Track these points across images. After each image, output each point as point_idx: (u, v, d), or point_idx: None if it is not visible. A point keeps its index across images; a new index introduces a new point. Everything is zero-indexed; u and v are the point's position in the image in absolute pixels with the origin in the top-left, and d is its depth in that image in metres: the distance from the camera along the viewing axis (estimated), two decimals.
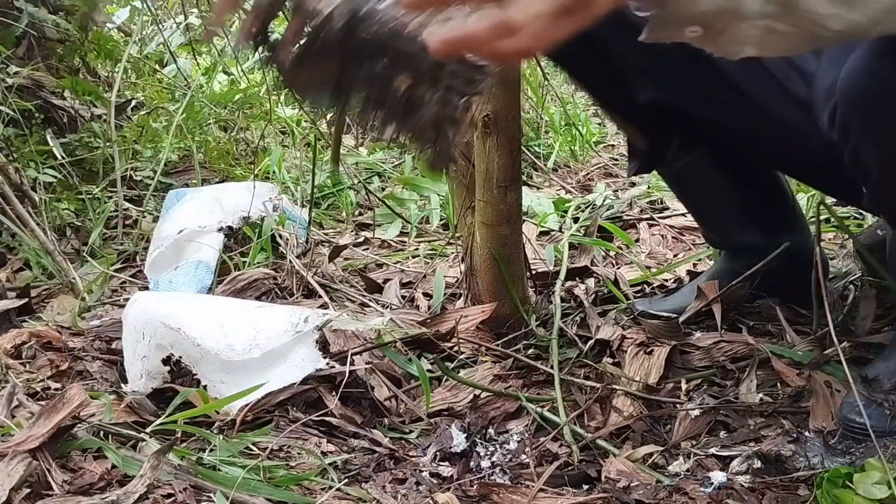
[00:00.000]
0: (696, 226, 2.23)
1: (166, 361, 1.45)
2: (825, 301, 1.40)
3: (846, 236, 1.79)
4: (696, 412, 1.35)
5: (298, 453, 1.28)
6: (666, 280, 1.91)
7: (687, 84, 1.38)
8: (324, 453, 1.29)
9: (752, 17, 0.80)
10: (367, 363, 1.49)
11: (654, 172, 2.66)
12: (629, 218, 2.35)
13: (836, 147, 1.18)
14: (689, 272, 1.86)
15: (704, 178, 1.60)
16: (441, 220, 2.42)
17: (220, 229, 2.04)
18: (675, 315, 1.56)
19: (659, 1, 0.80)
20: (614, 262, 2.06)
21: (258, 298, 1.83)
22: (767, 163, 1.56)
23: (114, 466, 1.18)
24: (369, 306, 1.81)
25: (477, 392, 1.45)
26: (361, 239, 2.34)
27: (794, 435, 1.25)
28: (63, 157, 2.38)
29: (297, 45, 0.86)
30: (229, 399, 1.37)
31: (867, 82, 1.06)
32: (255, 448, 1.28)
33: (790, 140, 1.39)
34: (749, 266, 1.59)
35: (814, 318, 1.51)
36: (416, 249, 2.21)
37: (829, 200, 2.15)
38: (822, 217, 1.56)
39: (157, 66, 3.63)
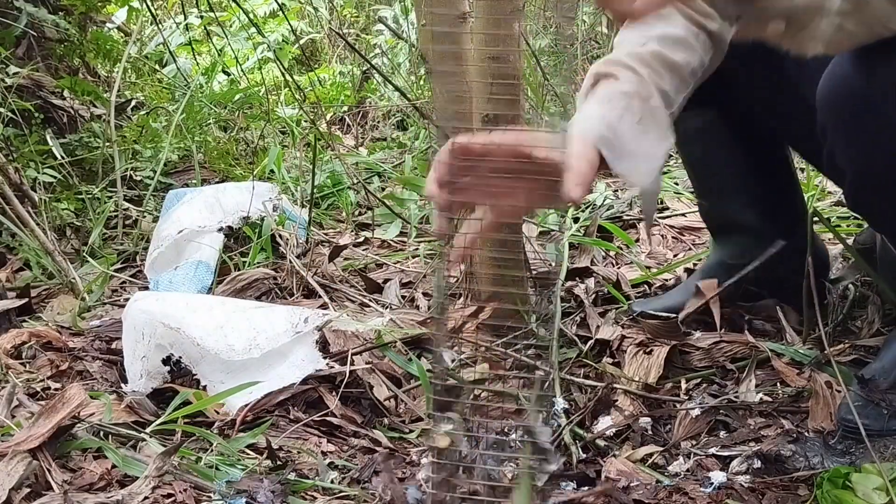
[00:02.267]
0: (697, 226, 2.23)
1: (166, 361, 1.45)
2: (815, 304, 1.40)
3: (851, 236, 1.79)
4: (696, 412, 1.35)
5: (298, 453, 1.28)
6: (666, 280, 1.91)
7: None
8: (324, 453, 1.30)
9: (832, 13, 0.86)
10: (367, 363, 1.49)
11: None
12: (629, 218, 2.34)
13: None
14: (686, 269, 1.86)
15: (715, 143, 1.57)
16: None
17: (220, 229, 2.04)
18: (673, 315, 1.56)
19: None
20: (614, 262, 2.06)
21: (258, 298, 1.83)
22: (778, 127, 1.52)
23: (114, 466, 1.18)
24: (369, 306, 1.80)
25: (477, 392, 1.45)
26: (361, 239, 2.34)
27: (794, 435, 1.25)
28: (63, 157, 2.38)
29: None
30: (223, 394, 1.37)
31: (841, 86, 1.11)
32: (249, 451, 1.28)
33: (796, 100, 1.39)
34: (739, 256, 1.56)
35: (804, 321, 1.51)
36: (416, 249, 2.21)
37: (825, 203, 2.16)
38: (814, 220, 1.55)
39: (156, 66, 3.63)
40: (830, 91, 1.13)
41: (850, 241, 1.68)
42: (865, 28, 0.89)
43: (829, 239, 1.96)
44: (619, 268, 1.98)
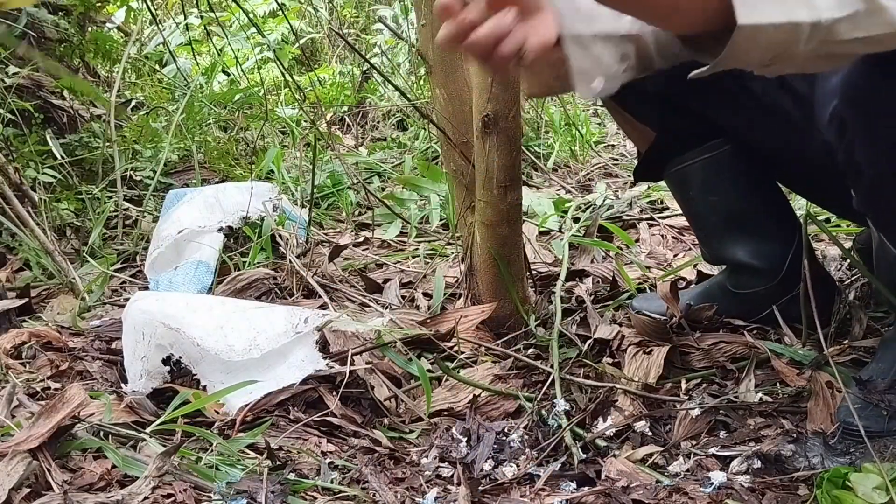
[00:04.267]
0: None
1: (166, 361, 1.46)
2: (813, 305, 1.40)
3: (851, 236, 1.78)
4: (696, 412, 1.35)
5: (298, 453, 1.28)
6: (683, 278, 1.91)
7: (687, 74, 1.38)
8: (324, 453, 1.30)
9: (801, 57, 0.89)
10: (367, 363, 1.49)
11: None
12: (629, 218, 2.35)
13: (832, 149, 1.18)
14: (698, 271, 1.85)
15: (703, 181, 1.55)
16: (441, 220, 2.42)
17: (220, 229, 2.04)
18: (664, 317, 1.56)
19: (712, 55, 0.89)
20: (614, 262, 2.06)
21: (258, 298, 1.83)
22: (765, 160, 1.54)
23: (114, 466, 1.18)
24: (369, 306, 1.81)
25: (477, 392, 1.45)
26: (361, 239, 2.34)
27: (794, 435, 1.25)
28: (63, 157, 2.38)
29: None
30: (222, 392, 1.37)
31: (865, 81, 1.08)
32: (249, 451, 1.28)
33: (787, 135, 1.39)
34: (741, 287, 1.57)
35: (802, 322, 1.50)
36: (416, 249, 2.21)
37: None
38: (811, 224, 1.55)
39: (157, 66, 3.63)
40: (854, 86, 1.09)
41: (849, 242, 1.68)
42: (837, 56, 0.92)
43: (829, 241, 1.96)
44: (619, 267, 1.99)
